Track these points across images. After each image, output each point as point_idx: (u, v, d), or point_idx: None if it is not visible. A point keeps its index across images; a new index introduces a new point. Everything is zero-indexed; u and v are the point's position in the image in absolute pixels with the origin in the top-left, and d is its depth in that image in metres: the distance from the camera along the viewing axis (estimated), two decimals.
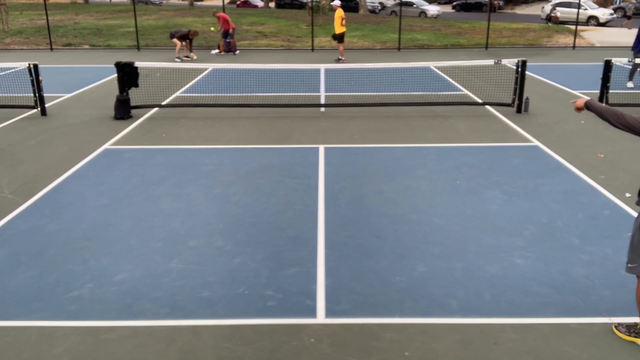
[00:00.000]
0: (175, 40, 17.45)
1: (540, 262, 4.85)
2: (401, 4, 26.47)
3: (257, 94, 11.90)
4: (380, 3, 43.04)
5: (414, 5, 36.61)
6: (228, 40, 20.00)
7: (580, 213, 5.87)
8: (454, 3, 46.02)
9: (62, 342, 3.82)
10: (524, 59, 10.43)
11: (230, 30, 18.95)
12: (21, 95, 11.06)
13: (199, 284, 4.52)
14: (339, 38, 16.78)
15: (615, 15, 33.24)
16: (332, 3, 17.03)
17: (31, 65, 10.08)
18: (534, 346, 3.76)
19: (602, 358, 3.65)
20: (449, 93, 12.18)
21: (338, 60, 16.95)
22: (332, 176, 6.94)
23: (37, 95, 10.21)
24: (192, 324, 4.03)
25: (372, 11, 40.24)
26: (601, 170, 7.19)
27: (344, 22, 16.57)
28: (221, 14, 19.25)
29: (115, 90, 10.57)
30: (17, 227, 5.60)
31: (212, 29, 15.43)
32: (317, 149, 8.09)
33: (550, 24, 29.31)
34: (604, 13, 32.29)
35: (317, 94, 11.99)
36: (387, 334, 3.90)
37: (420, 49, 20.87)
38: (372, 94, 12.03)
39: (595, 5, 34.70)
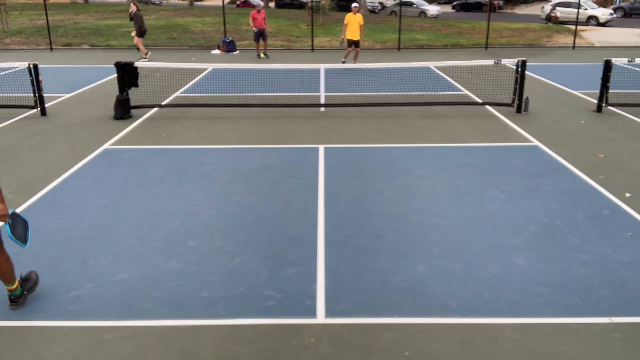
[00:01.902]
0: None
1: (540, 262, 4.85)
2: (401, 4, 26.48)
3: (257, 94, 11.90)
4: (380, 3, 43.04)
5: (414, 5, 36.62)
6: (227, 39, 19.97)
7: (580, 213, 5.87)
8: (454, 3, 46.03)
9: (62, 342, 3.82)
10: (524, 59, 10.44)
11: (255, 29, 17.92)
12: (21, 95, 11.05)
13: (198, 284, 4.53)
14: (358, 44, 16.08)
15: (615, 15, 33.23)
16: (352, 5, 16.43)
17: (31, 65, 10.08)
18: (534, 346, 3.76)
19: (602, 358, 3.65)
20: (449, 93, 12.18)
21: (342, 62, 16.56)
22: (332, 176, 6.94)
23: (37, 95, 10.21)
24: (192, 323, 4.03)
25: (372, 11, 40.23)
26: (601, 170, 7.19)
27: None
28: (263, 11, 18.10)
29: (115, 90, 10.57)
30: None
31: (132, 34, 14.53)
32: (317, 149, 8.08)
33: (550, 24, 29.31)
34: (603, 13, 32.29)
35: (317, 94, 11.99)
36: (387, 334, 3.90)
37: (420, 49, 20.88)
38: (372, 94, 12.03)
39: (595, 5, 34.70)
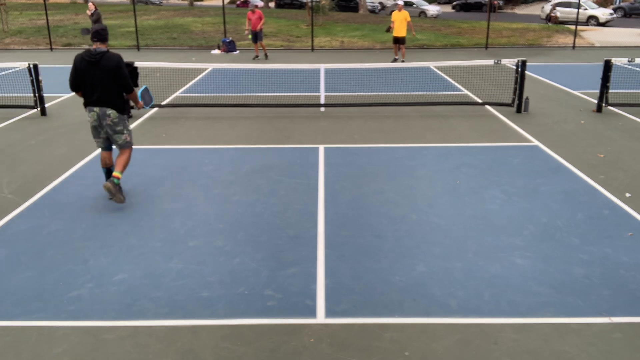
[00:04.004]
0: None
1: (540, 262, 4.85)
2: None
3: (257, 94, 11.90)
4: (380, 3, 43.05)
5: (414, 5, 36.60)
6: (227, 39, 19.94)
7: (580, 213, 5.87)
8: (454, 3, 46.02)
9: (62, 342, 3.82)
10: (524, 59, 10.44)
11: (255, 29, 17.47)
12: (21, 95, 11.06)
13: (198, 284, 4.53)
14: (403, 40, 16.49)
15: (615, 15, 33.23)
16: (396, 3, 16.76)
17: (31, 65, 10.08)
18: (534, 346, 3.76)
19: (602, 358, 3.65)
20: (449, 93, 12.18)
21: (401, 61, 16.31)
22: (332, 176, 6.94)
23: (37, 95, 10.21)
24: (192, 323, 4.03)
25: (372, 11, 40.25)
26: (601, 170, 7.19)
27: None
28: (258, 11, 17.52)
29: None
30: (17, 227, 5.60)
31: None
32: (317, 149, 8.09)
33: (550, 24, 29.31)
34: (603, 13, 32.29)
35: (317, 94, 11.99)
36: (387, 334, 3.90)
37: (420, 49, 20.88)
38: (372, 94, 12.03)
39: (595, 5, 34.69)
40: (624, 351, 3.71)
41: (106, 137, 6.14)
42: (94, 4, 16.62)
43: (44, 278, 4.62)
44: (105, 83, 5.82)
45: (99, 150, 6.41)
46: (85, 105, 6.01)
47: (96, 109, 5.92)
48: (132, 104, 6.35)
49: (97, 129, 6.07)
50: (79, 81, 5.89)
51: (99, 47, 5.86)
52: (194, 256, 4.99)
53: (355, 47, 21.48)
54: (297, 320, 4.06)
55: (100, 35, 5.84)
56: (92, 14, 16.46)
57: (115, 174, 6.02)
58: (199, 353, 3.72)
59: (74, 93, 6.15)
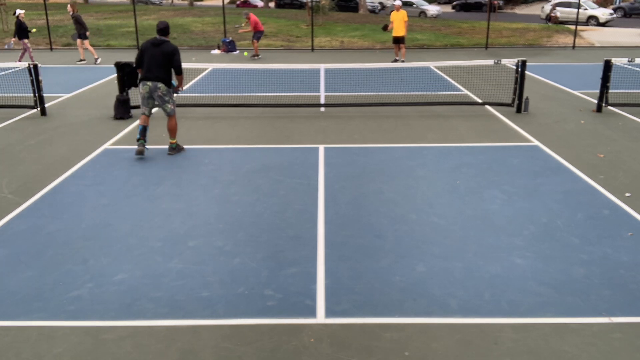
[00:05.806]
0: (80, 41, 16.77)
1: (540, 262, 4.85)
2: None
3: (257, 94, 11.90)
4: (380, 3, 43.05)
5: (414, 5, 36.60)
6: (227, 39, 19.95)
7: (580, 213, 5.87)
8: (454, 3, 46.02)
9: (61, 342, 3.82)
10: (524, 58, 10.44)
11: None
12: (21, 95, 11.05)
13: (198, 284, 4.53)
14: (402, 40, 16.63)
15: (615, 15, 33.23)
16: (394, 3, 16.94)
17: (31, 65, 10.08)
18: (534, 346, 3.76)
19: (602, 358, 3.65)
20: (449, 93, 12.18)
21: (401, 61, 16.32)
22: (332, 176, 6.94)
23: (37, 95, 10.21)
24: (192, 323, 4.03)
25: (372, 11, 40.24)
26: (601, 170, 7.19)
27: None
28: (252, 15, 18.00)
29: (115, 90, 10.57)
30: (17, 227, 5.60)
31: (33, 30, 15.31)
32: (317, 149, 8.09)
33: (550, 24, 29.31)
34: (603, 13, 32.29)
35: (317, 94, 12.00)
36: (387, 334, 3.90)
37: (420, 49, 20.88)
38: (372, 94, 12.03)
39: (595, 5, 34.69)
40: (624, 351, 3.71)
41: (152, 106, 7.72)
42: (72, 6, 16.61)
43: (44, 278, 4.62)
44: (161, 63, 7.54)
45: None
46: (140, 80, 7.62)
47: (149, 83, 7.54)
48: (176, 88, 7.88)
49: (147, 99, 7.65)
50: (141, 59, 7.65)
51: (162, 37, 7.72)
52: (194, 256, 4.99)
53: (355, 47, 21.48)
54: (297, 320, 4.06)
55: (163, 31, 7.78)
56: (72, 15, 16.48)
57: (171, 140, 7.79)
58: (199, 353, 3.72)
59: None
